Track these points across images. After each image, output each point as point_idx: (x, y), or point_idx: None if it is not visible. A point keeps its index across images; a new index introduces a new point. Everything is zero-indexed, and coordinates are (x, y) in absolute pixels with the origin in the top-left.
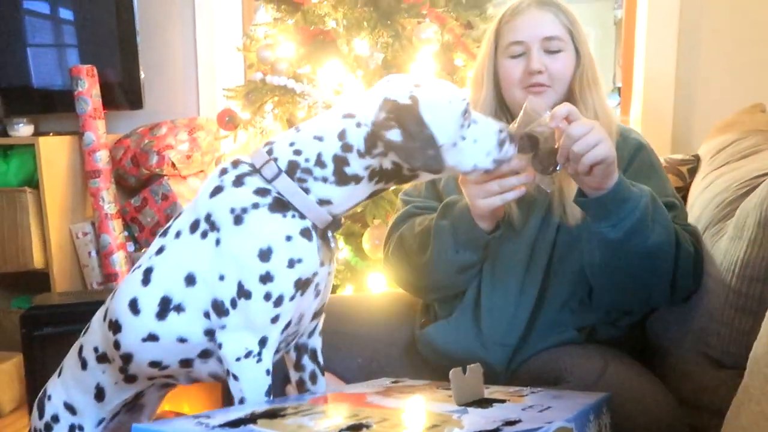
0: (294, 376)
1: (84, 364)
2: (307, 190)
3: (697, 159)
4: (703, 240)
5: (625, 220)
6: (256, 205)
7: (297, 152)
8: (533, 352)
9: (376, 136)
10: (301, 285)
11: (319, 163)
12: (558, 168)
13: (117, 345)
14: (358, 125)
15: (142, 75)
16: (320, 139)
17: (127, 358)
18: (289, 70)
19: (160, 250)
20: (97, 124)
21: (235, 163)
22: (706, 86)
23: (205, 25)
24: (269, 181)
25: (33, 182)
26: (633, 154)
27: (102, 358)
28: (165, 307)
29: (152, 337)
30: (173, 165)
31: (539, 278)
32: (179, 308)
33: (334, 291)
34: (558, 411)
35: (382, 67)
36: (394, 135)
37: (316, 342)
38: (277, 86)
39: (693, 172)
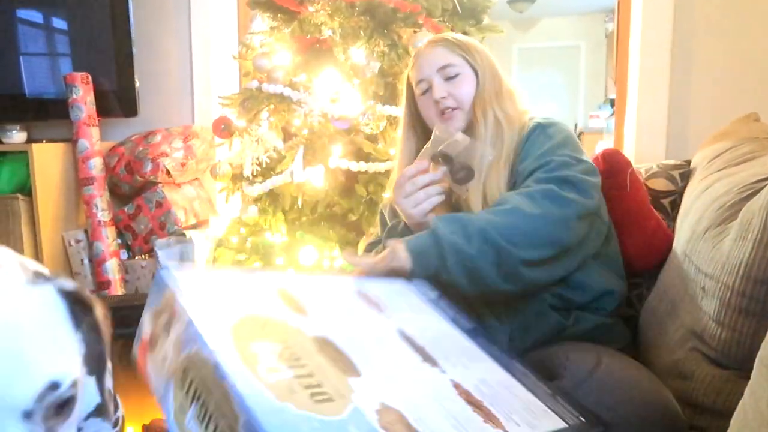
0: None
1: None
2: None
3: (688, 164)
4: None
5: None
6: None
7: None
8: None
9: None
10: None
11: None
12: (469, 180)
13: None
14: None
15: (137, 83)
16: None
17: None
18: (285, 79)
19: None
20: (91, 132)
21: None
22: (699, 97)
23: (201, 34)
24: None
25: (26, 189)
26: (528, 135)
27: None
28: None
29: None
30: (168, 172)
31: None
32: None
33: None
34: None
35: (378, 75)
36: None
37: None
38: (273, 94)
39: (684, 176)
